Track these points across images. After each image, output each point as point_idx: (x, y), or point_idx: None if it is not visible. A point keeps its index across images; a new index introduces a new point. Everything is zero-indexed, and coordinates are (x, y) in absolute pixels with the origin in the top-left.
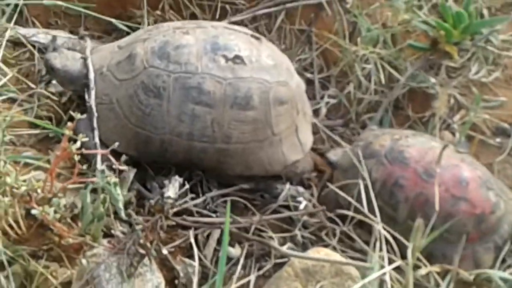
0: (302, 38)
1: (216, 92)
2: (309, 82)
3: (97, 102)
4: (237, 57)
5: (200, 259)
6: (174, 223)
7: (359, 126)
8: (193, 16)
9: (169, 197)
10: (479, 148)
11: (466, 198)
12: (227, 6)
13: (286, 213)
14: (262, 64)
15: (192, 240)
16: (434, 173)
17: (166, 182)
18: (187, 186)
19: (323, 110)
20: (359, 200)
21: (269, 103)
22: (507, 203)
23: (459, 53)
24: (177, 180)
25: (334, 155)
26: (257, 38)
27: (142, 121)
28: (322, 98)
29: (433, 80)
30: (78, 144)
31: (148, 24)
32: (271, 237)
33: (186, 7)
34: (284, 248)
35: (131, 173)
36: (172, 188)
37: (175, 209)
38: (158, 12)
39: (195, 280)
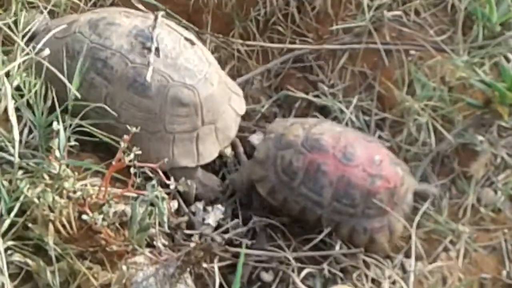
0: (362, 80)
1: (118, 70)
2: (367, 124)
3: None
4: (154, 48)
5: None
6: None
7: None
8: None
9: (208, 224)
10: None
11: (381, 175)
12: (298, 40)
13: (319, 252)
14: (176, 63)
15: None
16: (351, 156)
17: (209, 208)
18: (228, 213)
19: None
20: (274, 191)
21: (166, 99)
22: (408, 175)
23: (510, 114)
24: (219, 209)
25: (256, 139)
26: (192, 43)
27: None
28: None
29: (480, 138)
30: (132, 156)
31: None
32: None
33: (255, 38)
34: (300, 283)
35: (191, 189)
36: (213, 216)
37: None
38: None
39: None
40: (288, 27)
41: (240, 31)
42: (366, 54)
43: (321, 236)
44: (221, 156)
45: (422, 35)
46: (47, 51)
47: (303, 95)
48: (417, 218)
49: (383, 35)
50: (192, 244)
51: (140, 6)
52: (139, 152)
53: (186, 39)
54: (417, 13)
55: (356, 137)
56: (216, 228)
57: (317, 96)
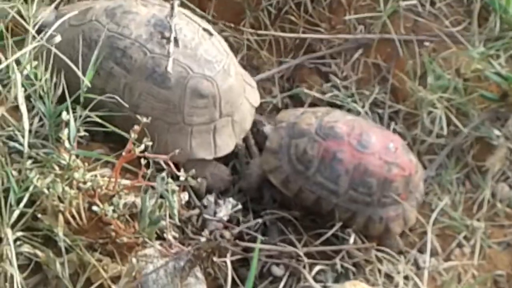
0: (376, 72)
1: (137, 60)
2: (380, 117)
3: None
4: (173, 38)
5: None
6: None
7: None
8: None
9: (220, 218)
10: None
11: (396, 163)
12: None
13: (330, 247)
14: (195, 53)
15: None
16: (366, 143)
17: (220, 202)
18: (239, 206)
19: None
20: (288, 181)
21: (185, 90)
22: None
23: None
24: (230, 202)
25: (268, 129)
26: (210, 34)
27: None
28: None
29: (497, 132)
30: (142, 147)
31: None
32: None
33: (266, 27)
34: (311, 280)
35: (202, 186)
36: (225, 209)
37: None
38: (233, 25)
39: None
40: (300, 16)
41: (251, 21)
42: (380, 46)
43: (333, 230)
44: None
45: (437, 26)
46: (58, 38)
47: (316, 94)
48: (434, 215)
49: (398, 26)
50: (202, 239)
51: None
52: (156, 143)
53: (204, 29)
54: (432, 3)
55: (369, 125)
56: (228, 222)
57: (330, 89)
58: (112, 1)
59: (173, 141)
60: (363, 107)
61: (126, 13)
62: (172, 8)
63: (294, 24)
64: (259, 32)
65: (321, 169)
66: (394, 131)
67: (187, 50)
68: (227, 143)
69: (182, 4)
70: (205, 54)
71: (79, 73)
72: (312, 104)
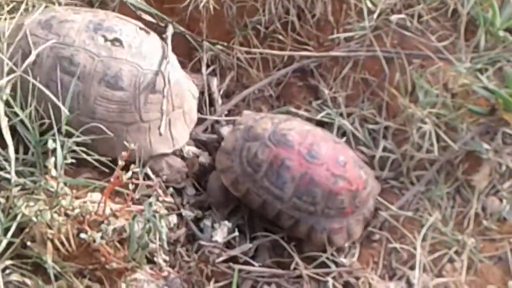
0: (364, 88)
1: (86, 66)
2: (370, 132)
3: None
4: (116, 39)
5: None
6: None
7: (408, 181)
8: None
9: (216, 241)
10: None
11: (344, 176)
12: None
13: (323, 269)
14: (140, 51)
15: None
16: (316, 154)
17: (216, 225)
18: (236, 233)
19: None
20: (237, 182)
21: (139, 88)
22: (372, 180)
23: None
24: (226, 225)
25: (226, 131)
26: (147, 32)
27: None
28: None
29: (486, 146)
30: (130, 174)
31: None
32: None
33: (255, 46)
34: None
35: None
36: (221, 232)
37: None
38: (223, 43)
39: None
40: (288, 35)
41: (240, 39)
42: (368, 62)
43: (326, 255)
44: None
45: (424, 41)
46: None
47: (305, 113)
48: (424, 230)
49: (384, 42)
50: (192, 264)
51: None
52: (116, 145)
53: (141, 28)
54: (419, 17)
55: (324, 136)
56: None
57: (319, 106)
58: (41, 15)
59: (133, 140)
60: (352, 123)
61: (63, 22)
62: (167, 29)
63: (282, 43)
64: (249, 50)
65: (268, 174)
66: (385, 148)
67: (132, 49)
68: (182, 135)
69: (176, 27)
70: (150, 51)
71: (54, 99)
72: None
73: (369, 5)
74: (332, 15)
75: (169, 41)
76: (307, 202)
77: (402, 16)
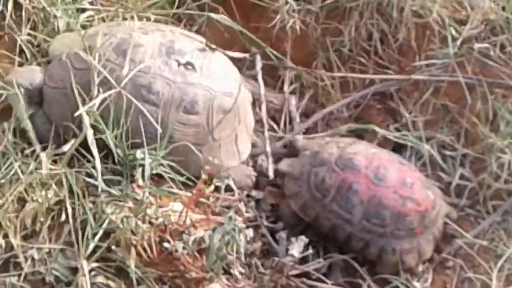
0: (444, 113)
1: (164, 94)
2: (444, 159)
3: (53, 86)
4: (188, 63)
5: None
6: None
7: (484, 210)
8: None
9: (292, 255)
10: None
11: (412, 198)
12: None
13: None
14: (211, 73)
15: None
16: (383, 177)
17: (293, 239)
18: (310, 251)
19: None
20: (306, 207)
21: (212, 110)
22: (440, 200)
23: None
24: (302, 240)
25: (284, 165)
26: (212, 48)
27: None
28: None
29: None
30: (212, 187)
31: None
32: None
33: (338, 68)
34: None
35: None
36: (297, 247)
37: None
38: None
39: None
40: (370, 58)
41: (323, 61)
42: (449, 88)
43: (400, 279)
44: None
45: (507, 71)
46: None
47: (384, 131)
48: (501, 262)
49: (466, 70)
50: (267, 277)
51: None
52: (187, 164)
53: (207, 45)
54: (502, 47)
55: (390, 159)
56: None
57: (397, 129)
58: (110, 36)
59: (206, 159)
60: (431, 148)
61: (136, 47)
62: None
63: (364, 65)
64: (332, 74)
65: (337, 198)
66: (462, 176)
67: (203, 72)
68: (246, 146)
69: (259, 46)
70: (218, 70)
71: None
72: (378, 144)
73: (453, 32)
74: (415, 40)
75: (259, 77)
76: (376, 225)
77: (486, 45)
